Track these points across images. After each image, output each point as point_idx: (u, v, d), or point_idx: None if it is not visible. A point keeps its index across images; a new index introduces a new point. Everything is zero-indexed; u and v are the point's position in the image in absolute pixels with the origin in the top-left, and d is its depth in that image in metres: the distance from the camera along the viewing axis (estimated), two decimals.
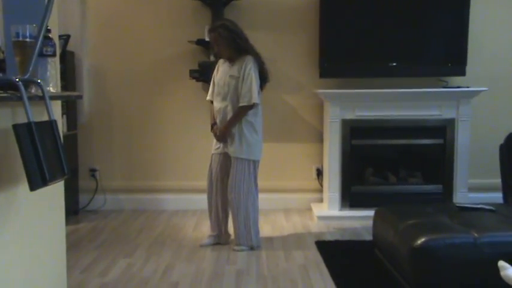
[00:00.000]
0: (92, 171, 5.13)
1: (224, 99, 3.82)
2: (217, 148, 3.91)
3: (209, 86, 4.01)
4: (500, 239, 2.67)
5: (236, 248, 3.85)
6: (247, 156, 3.80)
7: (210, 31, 3.85)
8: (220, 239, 3.99)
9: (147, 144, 5.12)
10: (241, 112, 3.77)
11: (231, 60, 3.83)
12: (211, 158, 3.96)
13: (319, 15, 4.82)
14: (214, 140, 3.93)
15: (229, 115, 3.80)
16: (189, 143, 5.08)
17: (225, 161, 3.89)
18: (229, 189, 3.83)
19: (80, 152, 5.07)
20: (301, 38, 4.99)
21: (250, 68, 3.74)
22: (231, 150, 3.82)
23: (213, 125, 3.92)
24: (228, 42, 3.76)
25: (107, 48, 5.07)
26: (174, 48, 5.01)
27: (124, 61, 5.06)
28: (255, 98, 3.74)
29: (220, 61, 3.96)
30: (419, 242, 2.62)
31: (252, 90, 3.73)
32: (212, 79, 3.98)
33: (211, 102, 3.98)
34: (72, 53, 4.90)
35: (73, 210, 4.84)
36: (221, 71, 3.89)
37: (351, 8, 4.82)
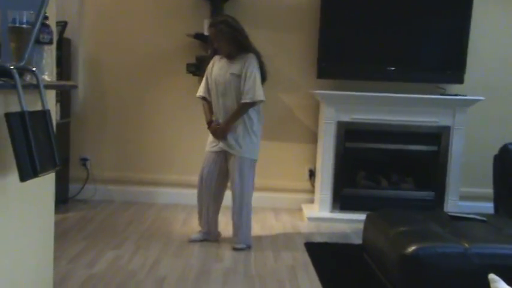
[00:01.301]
0: (83, 161, 5.08)
1: (226, 97, 3.75)
2: (214, 146, 3.85)
3: None
4: (490, 250, 2.66)
5: (238, 246, 3.81)
6: (250, 156, 3.79)
7: (211, 26, 3.76)
8: (209, 236, 3.97)
9: (140, 136, 5.08)
10: (243, 109, 3.72)
11: (230, 57, 3.77)
12: (206, 155, 3.90)
13: (319, 15, 4.79)
14: (210, 138, 3.88)
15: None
16: (183, 137, 5.05)
17: (220, 159, 3.84)
18: (234, 187, 3.78)
19: (72, 140, 5.03)
20: (301, 37, 4.97)
21: (253, 66, 3.70)
22: (236, 149, 3.75)
23: (211, 122, 3.87)
24: (229, 38, 3.70)
25: (104, 37, 5.02)
26: (172, 41, 4.97)
27: (121, 51, 5.02)
28: (261, 95, 3.71)
29: (216, 57, 3.88)
30: (409, 249, 2.61)
31: (255, 87, 3.68)
32: (206, 75, 3.91)
33: (204, 98, 3.91)
34: (68, 40, 4.85)
35: (62, 199, 4.79)
36: (219, 68, 3.81)
37: (352, 10, 4.79)
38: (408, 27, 4.80)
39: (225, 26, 3.69)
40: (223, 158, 3.83)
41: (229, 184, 3.90)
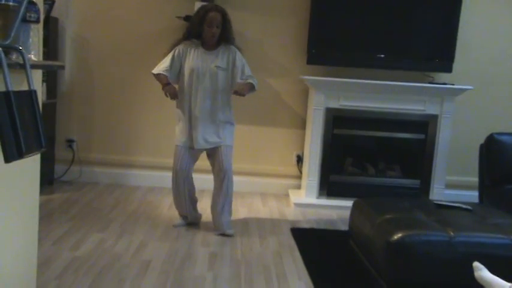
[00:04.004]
0: (69, 142, 5.03)
1: (211, 89, 3.69)
2: (185, 141, 3.77)
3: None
4: (474, 239, 2.68)
5: (230, 232, 3.80)
6: (232, 143, 3.83)
7: (219, 11, 3.63)
8: (193, 220, 3.98)
9: (127, 118, 5.04)
10: (253, 89, 3.77)
11: (210, 47, 3.71)
12: (177, 149, 3.81)
13: (310, 1, 4.76)
14: (182, 134, 3.79)
15: (220, 106, 3.71)
16: (170, 120, 4.97)
17: (192, 152, 3.81)
18: (224, 176, 3.74)
19: (58, 121, 4.97)
20: (291, 22, 4.93)
21: (241, 56, 3.74)
22: (222, 138, 3.74)
23: (168, 83, 3.73)
24: (225, 29, 3.68)
25: (92, 17, 4.94)
26: (161, 23, 4.90)
27: (109, 32, 4.94)
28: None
29: (187, 43, 3.72)
30: (395, 237, 2.63)
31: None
32: (173, 57, 3.72)
33: (163, 75, 3.74)
34: (55, 19, 4.77)
35: (47, 180, 4.75)
36: (199, 58, 3.68)
37: None
38: (398, 15, 4.79)
39: (228, 16, 3.68)
40: (193, 150, 3.79)
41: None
